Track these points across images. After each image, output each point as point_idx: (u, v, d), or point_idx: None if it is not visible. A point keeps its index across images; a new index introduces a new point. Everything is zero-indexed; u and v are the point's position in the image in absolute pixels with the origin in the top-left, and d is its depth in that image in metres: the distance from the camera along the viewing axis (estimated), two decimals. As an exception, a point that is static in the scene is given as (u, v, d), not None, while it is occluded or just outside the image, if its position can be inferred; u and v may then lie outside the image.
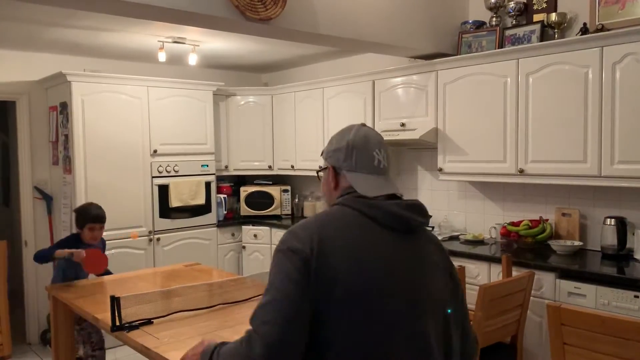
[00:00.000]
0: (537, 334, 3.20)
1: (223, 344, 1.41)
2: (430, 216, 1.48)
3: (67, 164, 4.51)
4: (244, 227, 5.48)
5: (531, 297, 3.10)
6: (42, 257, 3.35)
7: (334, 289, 1.26)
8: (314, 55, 5.21)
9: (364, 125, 1.54)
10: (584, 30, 3.39)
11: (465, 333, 1.49)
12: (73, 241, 3.50)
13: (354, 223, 1.36)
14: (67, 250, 3.27)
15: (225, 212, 5.49)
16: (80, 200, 4.40)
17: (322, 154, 1.58)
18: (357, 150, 1.47)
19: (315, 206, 5.43)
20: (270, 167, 5.63)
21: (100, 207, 3.57)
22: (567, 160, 3.30)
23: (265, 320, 1.26)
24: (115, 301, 2.43)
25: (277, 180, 5.87)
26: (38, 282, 4.82)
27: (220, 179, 5.54)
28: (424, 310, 1.35)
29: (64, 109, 4.52)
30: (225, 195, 5.52)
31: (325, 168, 1.54)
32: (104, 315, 2.59)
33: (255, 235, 5.41)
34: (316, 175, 1.65)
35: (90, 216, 3.47)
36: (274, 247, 5.29)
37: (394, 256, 1.36)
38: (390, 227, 1.38)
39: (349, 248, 1.31)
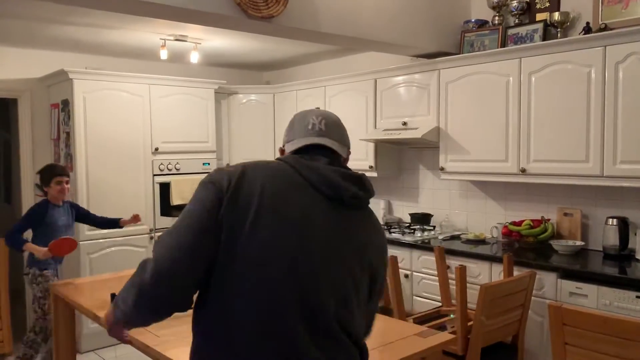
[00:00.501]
0: (539, 334, 3.19)
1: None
2: (372, 193, 1.43)
3: (69, 161, 4.51)
4: (245, 225, 5.47)
5: (532, 297, 3.09)
6: (12, 243, 3.49)
7: (240, 221, 1.26)
8: (315, 54, 5.20)
9: (317, 108, 1.58)
10: (587, 29, 3.37)
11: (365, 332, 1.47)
12: (43, 206, 3.61)
13: (283, 175, 1.35)
14: (32, 248, 3.44)
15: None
16: (82, 198, 4.41)
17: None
18: (295, 123, 1.50)
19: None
20: (271, 165, 5.62)
21: (61, 165, 3.78)
22: (569, 160, 3.28)
23: (163, 245, 1.27)
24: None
25: (278, 178, 5.86)
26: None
27: (221, 177, 5.53)
28: (321, 280, 1.30)
29: (66, 106, 4.51)
30: (227, 194, 5.51)
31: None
32: (105, 313, 2.59)
33: (256, 234, 5.40)
34: None
35: (57, 170, 3.64)
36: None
37: (310, 216, 1.32)
38: (322, 192, 1.35)
39: (265, 189, 1.29)
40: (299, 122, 1.48)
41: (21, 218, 3.64)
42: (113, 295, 2.43)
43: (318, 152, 1.41)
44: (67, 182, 3.65)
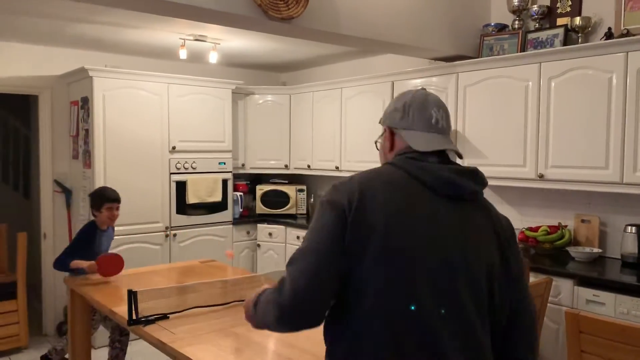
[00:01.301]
0: (554, 341, 3.17)
1: (267, 289, 1.46)
2: (487, 183, 1.45)
3: (87, 158, 4.56)
4: (259, 225, 5.50)
5: (548, 304, 3.06)
6: (60, 267, 3.46)
7: (368, 243, 1.27)
8: (333, 55, 5.21)
9: (423, 89, 1.53)
10: (609, 34, 3.34)
11: (522, 308, 1.44)
12: (92, 231, 3.59)
13: (399, 183, 1.35)
14: (81, 265, 3.35)
15: (241, 210, 5.52)
16: (99, 195, 4.45)
17: (380, 121, 1.55)
18: (413, 108, 1.44)
19: (331, 206, 5.42)
20: (286, 166, 5.64)
21: (114, 190, 3.70)
22: (588, 166, 3.25)
23: (297, 268, 1.30)
24: (132, 295, 2.46)
25: (293, 179, 5.87)
26: (55, 274, 4.87)
27: (236, 176, 5.56)
28: (458, 276, 1.31)
29: (85, 103, 4.57)
30: (242, 193, 5.55)
31: (381, 135, 1.52)
32: (121, 309, 2.62)
33: (270, 234, 5.42)
34: (375, 145, 1.62)
35: (108, 197, 3.60)
36: (288, 246, 5.31)
37: (437, 221, 1.33)
38: (443, 194, 1.35)
39: (389, 205, 1.30)
40: (418, 111, 1.44)
41: (71, 243, 3.60)
42: (130, 292, 2.45)
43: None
44: (117, 209, 3.62)
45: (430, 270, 1.29)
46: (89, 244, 3.54)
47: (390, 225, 1.28)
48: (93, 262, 3.33)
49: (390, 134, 1.48)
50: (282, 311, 1.31)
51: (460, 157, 1.47)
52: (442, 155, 1.41)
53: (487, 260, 1.36)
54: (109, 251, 3.65)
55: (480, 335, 1.33)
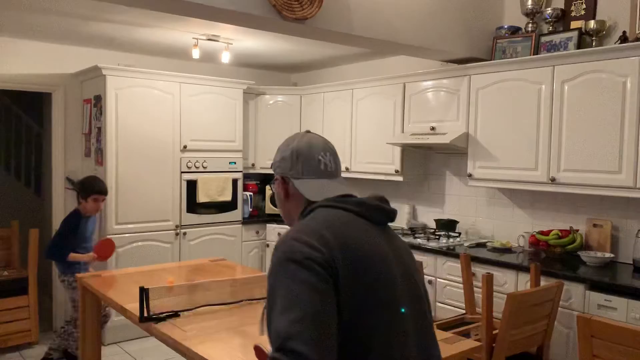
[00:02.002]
0: (564, 345, 3.15)
1: None
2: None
3: (99, 155, 4.60)
4: (268, 225, 5.51)
5: (559, 308, 3.05)
6: (58, 257, 3.61)
7: (355, 284, 1.22)
8: (344, 56, 5.22)
9: (308, 132, 1.55)
10: (623, 38, 3.32)
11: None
12: (77, 219, 3.74)
13: (348, 221, 1.34)
14: (79, 257, 3.54)
15: (251, 210, 5.53)
16: (111, 192, 4.48)
17: (271, 168, 1.57)
18: (301, 156, 1.47)
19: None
20: (296, 166, 5.64)
21: (103, 181, 3.84)
22: (601, 170, 3.24)
23: (304, 339, 1.12)
24: (144, 292, 2.47)
25: (303, 180, 5.87)
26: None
27: (246, 176, 5.58)
28: (416, 289, 1.39)
29: (98, 101, 4.60)
30: (251, 193, 5.56)
31: (274, 180, 1.54)
32: (132, 306, 2.63)
33: (279, 234, 5.43)
34: (270, 188, 1.63)
35: (97, 188, 3.73)
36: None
37: (385, 246, 1.36)
38: (375, 220, 1.39)
39: (356, 244, 1.28)
40: (306, 158, 1.47)
41: (57, 233, 3.73)
42: (142, 289, 2.46)
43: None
44: (102, 200, 3.76)
45: (401, 293, 1.33)
46: (75, 232, 3.68)
47: (364, 263, 1.26)
48: (90, 254, 3.52)
49: (283, 182, 1.49)
50: None
51: (347, 195, 1.47)
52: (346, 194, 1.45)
53: (418, 279, 1.44)
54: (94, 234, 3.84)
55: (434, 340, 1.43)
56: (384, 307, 1.27)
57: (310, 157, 1.47)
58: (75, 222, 3.72)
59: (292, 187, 1.47)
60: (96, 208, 3.73)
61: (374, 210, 1.40)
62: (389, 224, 1.47)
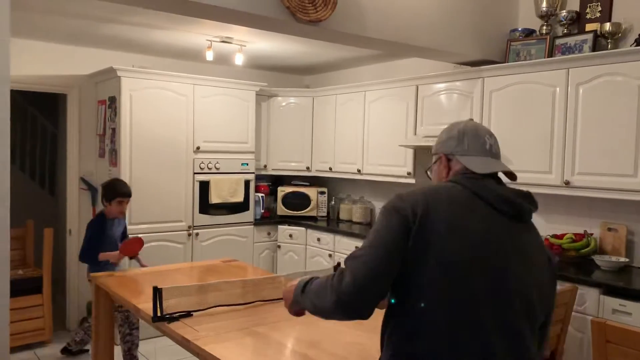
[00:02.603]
0: (578, 350, 3.12)
1: (314, 278, 1.55)
2: (537, 206, 1.52)
3: (113, 156, 4.63)
4: (280, 226, 5.52)
5: (573, 313, 3.03)
6: (90, 260, 3.66)
7: (427, 253, 1.35)
8: (357, 58, 5.22)
9: (471, 119, 1.63)
10: (639, 41, 3.29)
11: (543, 336, 1.52)
12: (102, 222, 3.76)
13: (461, 198, 1.42)
14: (106, 256, 3.57)
15: (263, 211, 5.55)
16: (124, 193, 4.52)
17: (432, 152, 1.63)
18: (467, 135, 1.54)
19: (351, 209, 5.43)
20: (308, 168, 5.66)
21: (126, 184, 3.86)
22: (616, 174, 3.21)
23: (359, 262, 1.39)
24: (157, 292, 2.48)
25: (314, 181, 5.89)
26: (80, 270, 4.95)
27: (258, 178, 5.60)
28: (509, 296, 1.38)
29: (113, 103, 4.64)
30: (263, 194, 5.58)
31: (435, 162, 1.60)
32: (145, 306, 2.65)
33: (290, 235, 5.44)
34: (426, 174, 1.70)
35: (121, 191, 3.75)
36: (309, 247, 5.32)
37: (495, 237, 1.40)
38: (497, 209, 1.43)
39: (450, 219, 1.37)
40: (472, 137, 1.53)
41: (85, 237, 3.78)
42: (156, 289, 2.48)
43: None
44: (127, 202, 3.78)
45: (486, 281, 1.36)
46: (103, 234, 3.70)
47: (451, 238, 1.35)
48: (117, 252, 3.54)
49: (447, 160, 1.55)
50: (341, 298, 1.38)
51: (514, 178, 1.55)
52: (497, 179, 1.51)
53: (538, 276, 1.45)
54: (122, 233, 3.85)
55: (528, 345, 1.40)
56: (452, 269, 1.34)
57: (476, 137, 1.54)
58: (99, 225, 3.74)
59: (456, 163, 1.53)
60: (120, 210, 3.75)
61: (497, 197, 1.43)
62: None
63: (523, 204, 1.45)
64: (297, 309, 1.71)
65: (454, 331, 1.33)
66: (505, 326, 1.36)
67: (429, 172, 1.66)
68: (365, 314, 1.42)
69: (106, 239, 3.69)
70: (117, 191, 3.73)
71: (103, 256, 3.58)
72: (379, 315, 1.49)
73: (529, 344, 1.40)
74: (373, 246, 1.39)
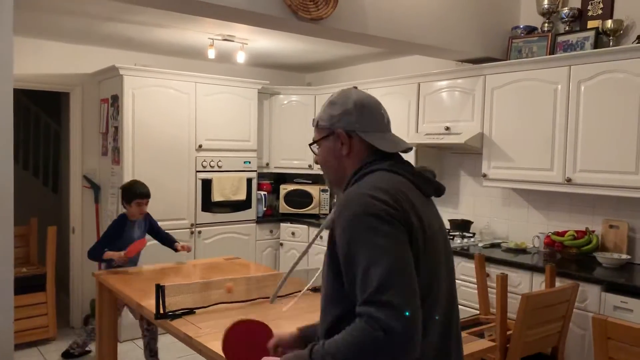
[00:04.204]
0: (579, 347, 3.13)
1: (320, 342, 1.24)
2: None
3: (116, 155, 4.65)
4: (282, 224, 5.53)
5: (574, 309, 3.03)
6: (94, 257, 3.67)
7: (420, 246, 1.28)
8: (358, 56, 5.22)
9: (355, 87, 1.51)
10: (641, 38, 3.29)
11: None
12: (122, 223, 3.76)
13: (409, 188, 1.36)
14: (113, 256, 3.58)
15: (265, 209, 5.56)
16: (127, 191, 4.54)
17: (316, 124, 1.48)
18: (366, 109, 1.42)
19: (354, 207, 5.43)
20: (310, 166, 5.67)
21: (144, 184, 3.85)
22: (617, 171, 3.21)
23: (398, 291, 1.13)
24: (160, 289, 2.50)
25: (316, 179, 5.89)
26: (83, 268, 4.98)
27: (261, 175, 5.61)
28: (449, 262, 1.45)
29: (115, 101, 4.66)
30: (265, 192, 5.59)
31: (327, 136, 1.44)
32: (149, 303, 2.67)
33: (293, 233, 5.46)
34: (309, 148, 1.53)
35: (138, 193, 3.76)
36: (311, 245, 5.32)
37: (434, 219, 1.40)
38: (426, 192, 1.42)
39: (419, 211, 1.32)
40: (371, 111, 1.42)
41: (103, 235, 3.81)
42: (158, 286, 2.50)
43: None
44: (146, 203, 3.80)
45: (442, 263, 1.39)
46: (120, 235, 3.71)
47: (421, 228, 1.31)
48: (121, 252, 3.54)
49: (347, 137, 1.41)
50: (399, 337, 1.10)
51: (410, 149, 1.48)
52: (398, 155, 1.45)
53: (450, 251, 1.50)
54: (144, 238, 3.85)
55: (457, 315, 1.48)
56: (434, 273, 1.33)
57: (376, 110, 1.43)
58: (121, 225, 3.76)
59: (358, 141, 1.40)
60: (139, 211, 3.78)
61: (426, 182, 1.42)
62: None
63: (441, 185, 1.47)
64: None
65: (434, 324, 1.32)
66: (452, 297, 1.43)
67: (313, 148, 1.48)
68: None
69: (125, 240, 3.69)
70: (135, 193, 3.76)
71: (107, 255, 3.59)
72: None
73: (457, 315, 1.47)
74: (399, 268, 1.17)
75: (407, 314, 1.11)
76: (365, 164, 1.38)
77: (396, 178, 1.34)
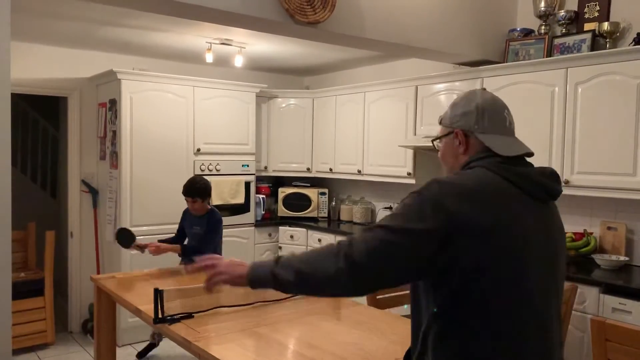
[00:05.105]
0: (578, 349, 3.13)
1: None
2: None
3: (114, 159, 4.65)
4: (280, 227, 5.53)
5: (573, 311, 3.03)
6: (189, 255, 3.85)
7: (474, 246, 1.25)
8: (356, 59, 5.23)
9: (485, 89, 1.55)
10: (638, 40, 3.30)
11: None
12: (183, 215, 4.06)
13: (500, 188, 1.34)
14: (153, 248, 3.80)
15: (263, 212, 5.56)
16: (126, 195, 4.54)
17: (440, 121, 1.55)
18: (488, 112, 1.46)
19: (352, 209, 5.44)
20: (308, 169, 5.67)
21: (196, 182, 3.90)
22: (615, 173, 3.22)
23: (366, 253, 1.27)
24: (158, 294, 2.50)
25: (315, 182, 5.90)
26: (82, 272, 4.97)
27: (259, 179, 5.61)
28: (555, 275, 1.39)
29: (113, 105, 4.66)
30: (264, 196, 5.59)
31: (447, 134, 1.51)
32: (147, 307, 2.66)
33: (291, 236, 5.45)
34: (432, 144, 1.62)
35: (185, 190, 3.89)
36: (310, 248, 5.32)
37: (542, 224, 1.37)
38: (535, 196, 1.38)
39: (497, 212, 1.29)
40: (492, 114, 1.46)
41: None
42: (156, 291, 2.49)
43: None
44: (193, 202, 3.87)
45: (539, 273, 1.34)
46: (183, 227, 4.03)
47: (495, 230, 1.27)
48: (153, 246, 3.78)
49: (465, 136, 1.47)
50: (353, 264, 1.26)
51: (532, 154, 1.48)
52: (521, 157, 1.44)
53: (564, 256, 1.48)
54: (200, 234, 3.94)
55: (558, 329, 1.42)
56: (506, 283, 1.28)
57: (496, 112, 1.46)
58: (182, 218, 4.02)
59: (474, 142, 1.45)
60: (192, 208, 3.90)
61: (534, 185, 1.38)
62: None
63: (556, 188, 1.42)
64: (240, 284, 1.54)
65: (519, 332, 1.30)
66: (554, 311, 1.38)
67: (436, 143, 1.57)
68: (373, 289, 1.36)
69: (188, 233, 3.95)
70: (183, 190, 3.88)
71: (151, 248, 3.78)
72: (380, 315, 1.47)
73: (558, 329, 1.42)
74: (400, 231, 1.26)
75: (371, 248, 1.26)
76: (472, 161, 1.43)
77: (491, 177, 1.36)
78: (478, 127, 1.45)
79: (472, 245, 1.24)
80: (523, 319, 1.30)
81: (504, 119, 1.47)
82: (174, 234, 4.11)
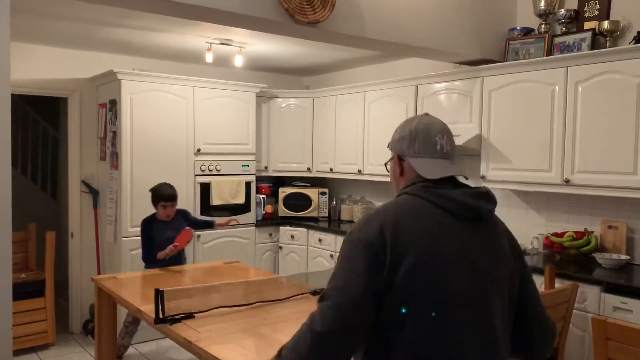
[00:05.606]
0: (579, 348, 3.13)
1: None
2: (496, 202, 1.52)
3: (114, 159, 4.65)
4: (281, 227, 5.53)
5: (574, 310, 3.03)
6: (150, 263, 3.86)
7: (403, 275, 1.32)
8: (356, 59, 5.23)
9: (426, 114, 1.59)
10: (638, 38, 3.30)
11: (542, 319, 1.55)
12: (147, 226, 3.94)
13: (424, 212, 1.41)
14: (163, 254, 3.75)
15: (264, 212, 5.56)
16: (126, 195, 4.54)
17: (388, 146, 1.63)
18: (419, 136, 1.52)
19: (352, 209, 5.44)
20: (309, 169, 5.67)
21: (171, 187, 3.99)
22: (615, 172, 3.21)
23: (333, 304, 1.32)
24: (159, 294, 2.50)
25: (315, 182, 5.90)
26: (82, 273, 4.97)
27: (259, 179, 5.60)
28: (489, 291, 1.40)
29: (113, 106, 4.66)
30: (264, 196, 5.59)
31: (391, 159, 1.60)
32: (147, 308, 2.67)
33: (292, 236, 5.45)
34: (384, 167, 1.69)
35: (162, 196, 3.92)
36: (310, 248, 5.33)
37: (463, 243, 1.40)
38: (458, 215, 1.42)
39: (418, 235, 1.36)
40: (423, 139, 1.51)
41: (142, 242, 4.00)
42: (157, 291, 2.49)
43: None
44: (171, 206, 3.91)
45: (463, 290, 1.38)
46: (151, 235, 3.89)
47: (422, 255, 1.34)
48: (171, 246, 3.71)
49: (399, 159, 1.55)
50: (319, 335, 1.30)
51: (466, 179, 1.54)
52: (452, 179, 1.50)
53: (507, 270, 1.48)
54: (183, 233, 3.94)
55: (500, 337, 1.42)
56: (432, 304, 1.33)
57: (427, 137, 1.52)
58: (146, 226, 3.95)
59: (407, 165, 1.53)
60: (166, 214, 3.91)
61: (456, 205, 1.43)
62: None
63: (482, 206, 1.46)
64: None
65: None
66: (481, 325, 1.39)
67: (387, 166, 1.65)
68: (350, 351, 1.36)
69: (156, 240, 3.85)
70: (160, 196, 3.90)
71: (160, 255, 3.74)
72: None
73: (500, 338, 1.42)
74: (349, 279, 1.34)
75: (326, 326, 1.29)
76: (408, 185, 1.51)
77: (412, 203, 1.43)
78: (410, 152, 1.52)
79: (392, 269, 1.32)
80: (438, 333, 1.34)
81: (435, 143, 1.51)
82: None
